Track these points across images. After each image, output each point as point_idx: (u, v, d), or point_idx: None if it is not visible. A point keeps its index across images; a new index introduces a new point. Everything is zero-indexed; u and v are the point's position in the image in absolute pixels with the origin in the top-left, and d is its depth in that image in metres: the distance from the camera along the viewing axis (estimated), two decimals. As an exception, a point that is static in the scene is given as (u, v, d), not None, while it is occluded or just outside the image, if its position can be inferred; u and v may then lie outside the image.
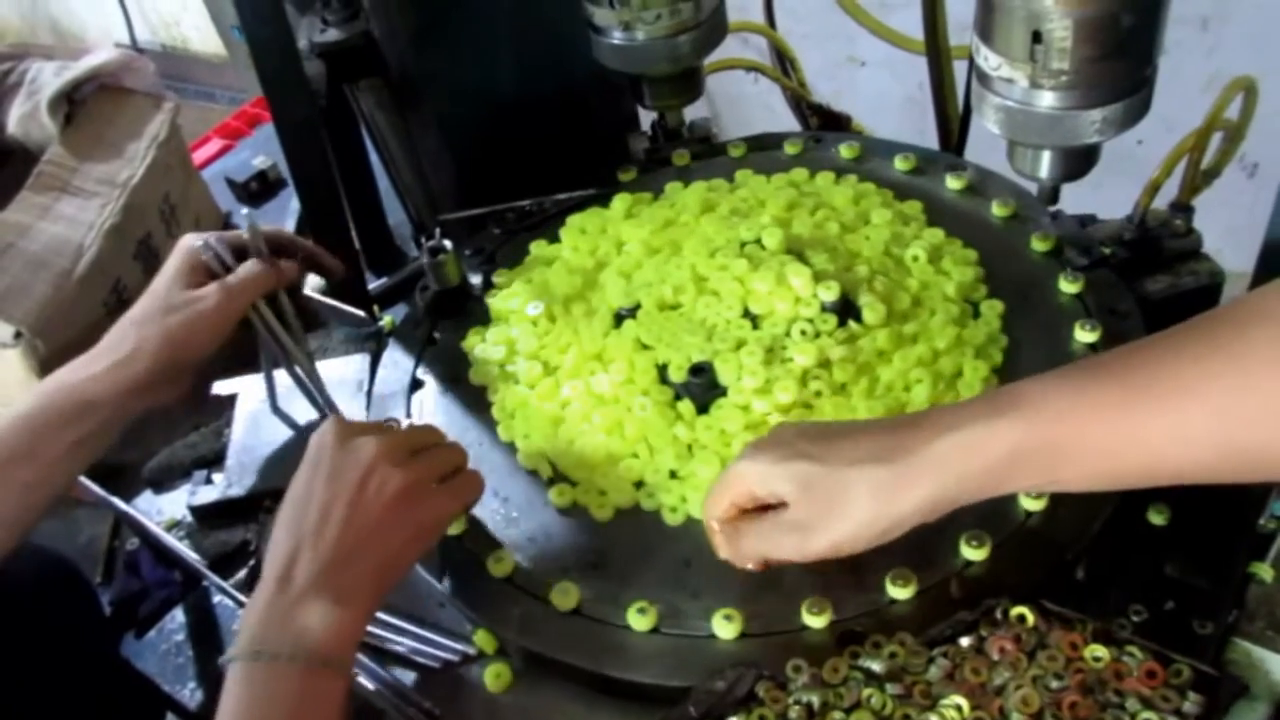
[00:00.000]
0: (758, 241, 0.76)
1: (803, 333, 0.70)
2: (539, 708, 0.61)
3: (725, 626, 0.59)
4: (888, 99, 1.58)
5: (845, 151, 0.88)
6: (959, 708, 0.53)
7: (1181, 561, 0.63)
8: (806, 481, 0.55)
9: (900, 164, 0.86)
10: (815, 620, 0.59)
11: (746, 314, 0.72)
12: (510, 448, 0.72)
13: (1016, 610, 0.57)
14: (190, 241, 0.74)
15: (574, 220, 0.84)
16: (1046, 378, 0.52)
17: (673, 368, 0.70)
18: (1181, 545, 0.63)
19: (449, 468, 0.63)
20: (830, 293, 0.70)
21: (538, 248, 0.85)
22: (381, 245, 1.04)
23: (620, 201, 0.84)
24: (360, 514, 0.56)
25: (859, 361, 0.69)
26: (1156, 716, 0.52)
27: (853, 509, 0.53)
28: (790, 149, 0.89)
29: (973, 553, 0.60)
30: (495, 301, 0.81)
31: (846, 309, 0.71)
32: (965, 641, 0.56)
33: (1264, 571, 0.61)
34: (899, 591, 0.59)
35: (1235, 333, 0.47)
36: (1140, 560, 0.63)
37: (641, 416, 0.69)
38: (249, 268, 0.73)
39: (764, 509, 0.58)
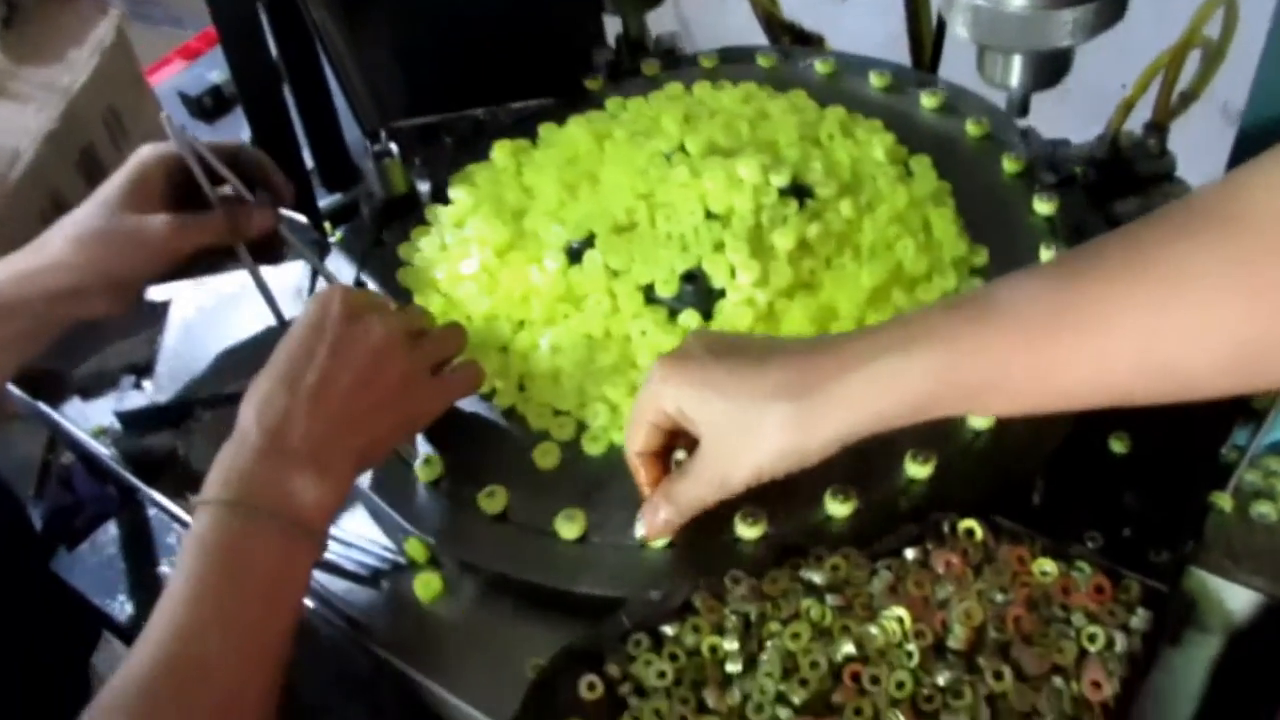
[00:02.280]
0: (681, 149, 0.73)
1: (770, 220, 0.68)
2: (470, 618, 0.59)
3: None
4: (869, 37, 1.55)
5: (820, 66, 0.85)
6: (900, 620, 0.51)
7: (1140, 489, 0.61)
8: (718, 415, 0.52)
9: (875, 80, 0.83)
10: (749, 531, 0.56)
11: (709, 216, 0.69)
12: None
13: (965, 524, 0.55)
14: (149, 154, 0.69)
15: (459, 177, 0.79)
16: (961, 304, 0.49)
17: (659, 284, 0.67)
18: (1141, 473, 0.61)
19: (447, 355, 0.63)
20: (782, 177, 0.69)
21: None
22: (337, 163, 1.01)
23: (500, 150, 0.80)
24: (362, 394, 0.56)
25: (835, 233, 0.68)
26: (1102, 632, 0.50)
27: (765, 442, 0.51)
28: (762, 62, 0.86)
29: (917, 469, 0.58)
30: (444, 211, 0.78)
31: (798, 191, 0.70)
32: (910, 555, 0.54)
33: (1224, 501, 0.59)
34: (838, 507, 0.57)
35: (1149, 252, 0.45)
36: (1098, 487, 0.61)
37: (649, 341, 0.66)
38: (211, 218, 0.69)
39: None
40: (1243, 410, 0.63)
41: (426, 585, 0.59)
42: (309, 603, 0.60)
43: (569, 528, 0.58)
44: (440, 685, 0.54)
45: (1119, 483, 0.61)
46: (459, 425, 0.66)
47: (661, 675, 0.51)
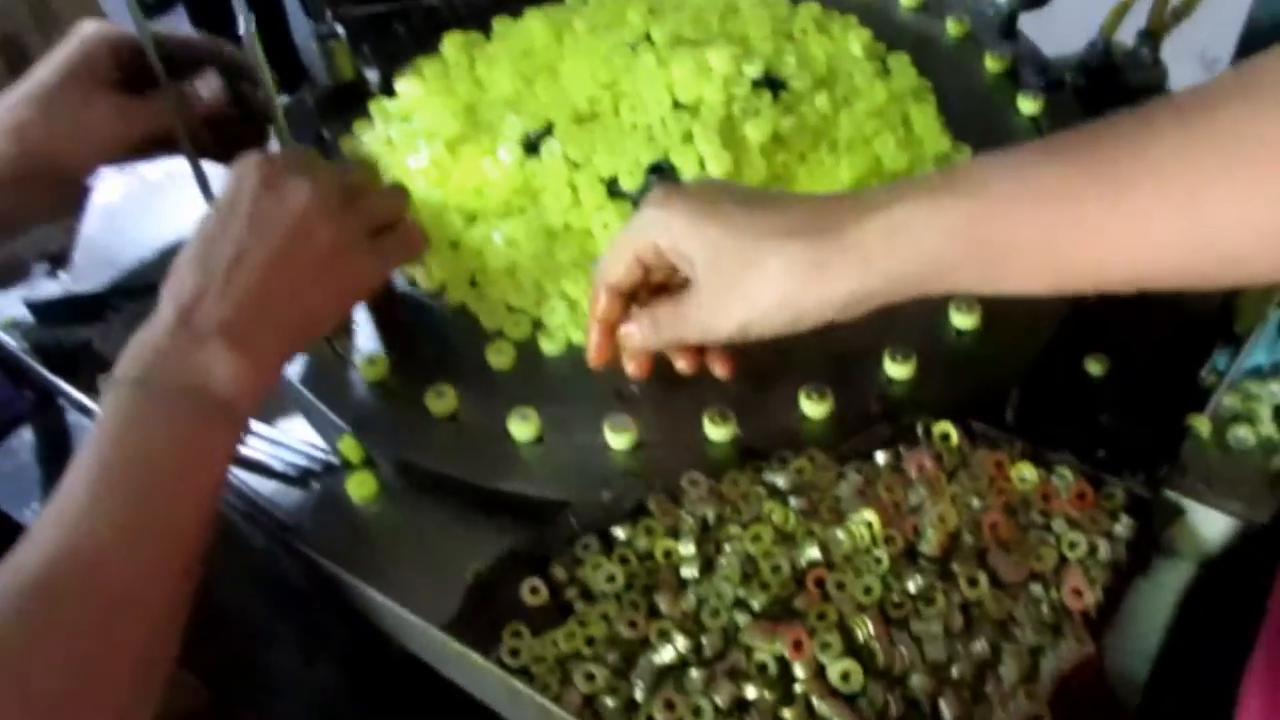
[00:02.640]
0: (647, 39, 0.68)
1: (743, 111, 0.63)
2: (406, 521, 0.54)
3: (619, 436, 0.53)
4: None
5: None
6: (869, 524, 0.47)
7: (1117, 411, 0.58)
8: (717, 249, 0.47)
9: (852, -22, 0.78)
10: (718, 432, 0.53)
11: (677, 106, 0.65)
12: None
13: (940, 427, 0.52)
14: (93, 33, 0.62)
15: (406, 71, 0.73)
16: (993, 157, 0.45)
17: (623, 176, 0.62)
18: (1118, 396, 0.58)
19: (386, 218, 0.57)
20: (754, 68, 0.64)
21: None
22: (285, 64, 0.95)
23: (451, 43, 0.74)
24: (279, 268, 0.51)
25: (811, 127, 0.64)
26: (1084, 539, 0.47)
27: (764, 287, 0.46)
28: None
29: (896, 369, 0.54)
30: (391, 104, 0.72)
31: (772, 84, 0.65)
32: (881, 458, 0.51)
33: (1201, 425, 0.56)
34: (813, 407, 0.53)
35: (1207, 113, 0.40)
36: (1074, 408, 0.58)
37: (611, 235, 0.61)
38: (160, 99, 0.62)
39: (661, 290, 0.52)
40: (1223, 333, 0.60)
41: (361, 485, 0.55)
42: (235, 502, 0.55)
43: (523, 428, 0.54)
44: (374, 588, 0.50)
45: (1095, 404, 0.58)
46: (405, 323, 0.61)
47: (611, 579, 0.47)
